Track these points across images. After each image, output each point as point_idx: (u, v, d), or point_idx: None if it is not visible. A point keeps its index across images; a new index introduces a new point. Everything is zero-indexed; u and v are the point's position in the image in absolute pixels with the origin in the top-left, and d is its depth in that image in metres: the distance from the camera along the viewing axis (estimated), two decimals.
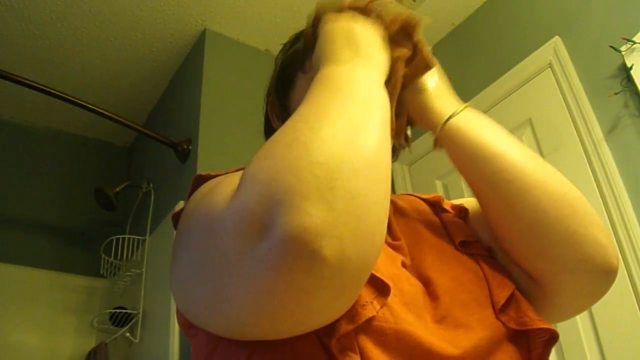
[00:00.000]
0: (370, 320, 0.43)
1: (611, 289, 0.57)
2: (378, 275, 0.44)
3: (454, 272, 0.55)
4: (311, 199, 0.35)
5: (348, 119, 0.41)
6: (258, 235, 0.36)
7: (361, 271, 0.38)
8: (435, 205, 0.68)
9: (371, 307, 0.43)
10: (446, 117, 0.60)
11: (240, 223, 0.37)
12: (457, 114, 0.60)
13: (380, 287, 0.45)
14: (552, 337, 0.52)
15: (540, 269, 0.56)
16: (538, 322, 0.51)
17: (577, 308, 0.62)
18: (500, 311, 0.52)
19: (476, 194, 0.60)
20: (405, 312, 0.47)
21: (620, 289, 1.38)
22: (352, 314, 0.42)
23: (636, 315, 1.35)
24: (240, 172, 0.48)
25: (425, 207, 0.69)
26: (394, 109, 0.56)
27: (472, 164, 0.58)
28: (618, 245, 1.44)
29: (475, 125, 0.59)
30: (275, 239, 0.35)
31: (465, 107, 0.61)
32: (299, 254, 0.34)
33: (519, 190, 0.55)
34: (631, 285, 1.38)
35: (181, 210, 0.55)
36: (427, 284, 0.53)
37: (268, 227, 0.35)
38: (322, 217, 0.35)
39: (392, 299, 0.45)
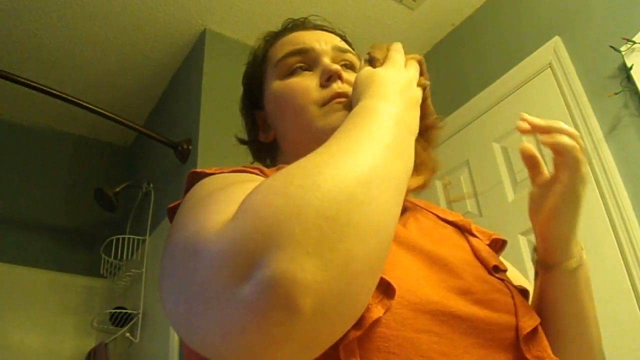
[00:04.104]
0: (374, 324, 0.43)
1: (611, 289, 0.58)
2: (383, 276, 0.43)
3: (483, 287, 0.53)
4: (310, 254, 0.34)
5: (374, 174, 0.40)
6: (244, 273, 0.34)
7: (336, 330, 0.38)
8: (462, 228, 0.66)
9: (376, 310, 0.43)
10: (580, 256, 0.59)
11: (229, 256, 0.35)
12: (584, 260, 0.60)
13: (384, 289, 0.44)
14: None
15: None
16: None
17: None
18: (522, 340, 0.51)
19: (549, 320, 0.60)
20: (412, 316, 0.45)
21: (620, 288, 1.38)
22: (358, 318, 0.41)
23: (636, 315, 1.35)
24: (249, 179, 0.47)
25: (450, 228, 0.66)
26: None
27: (565, 304, 0.60)
28: (618, 245, 1.44)
29: (583, 273, 0.60)
30: (261, 282, 0.33)
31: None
32: (279, 304, 0.33)
33: (585, 339, 0.60)
34: (631, 285, 1.38)
35: (177, 205, 0.52)
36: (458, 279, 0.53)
37: (256, 268, 0.34)
38: (313, 274, 0.34)
39: (397, 300, 0.44)
